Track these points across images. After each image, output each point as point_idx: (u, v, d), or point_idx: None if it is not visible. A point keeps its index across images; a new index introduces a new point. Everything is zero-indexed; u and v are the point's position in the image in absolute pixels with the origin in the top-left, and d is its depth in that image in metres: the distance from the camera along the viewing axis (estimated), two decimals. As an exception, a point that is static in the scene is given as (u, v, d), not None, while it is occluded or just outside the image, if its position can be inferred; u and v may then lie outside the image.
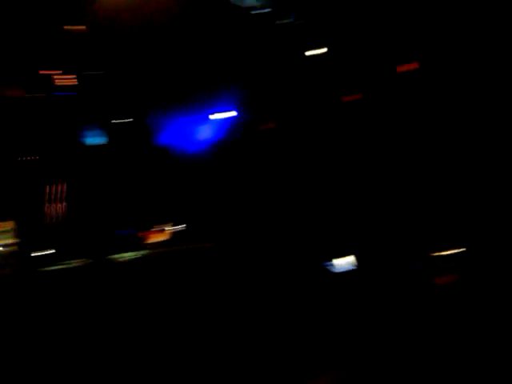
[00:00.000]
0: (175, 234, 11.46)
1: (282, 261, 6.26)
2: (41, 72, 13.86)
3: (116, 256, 9.79)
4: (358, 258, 6.80)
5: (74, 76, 14.06)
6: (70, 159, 16.21)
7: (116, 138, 15.90)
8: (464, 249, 5.76)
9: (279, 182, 10.36)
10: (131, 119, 15.73)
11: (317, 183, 9.58)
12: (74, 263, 10.52)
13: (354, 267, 6.77)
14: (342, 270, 6.57)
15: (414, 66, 9.48)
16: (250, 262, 6.20)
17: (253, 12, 11.63)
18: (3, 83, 15.22)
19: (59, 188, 15.36)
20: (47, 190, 15.01)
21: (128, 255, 9.39)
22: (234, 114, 12.86)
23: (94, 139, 17.00)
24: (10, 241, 11.66)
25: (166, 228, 11.72)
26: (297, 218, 8.52)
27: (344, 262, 6.86)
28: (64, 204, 15.58)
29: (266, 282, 5.72)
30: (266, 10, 11.51)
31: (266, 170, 10.82)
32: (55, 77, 14.47)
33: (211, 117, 13.05)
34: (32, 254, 12.72)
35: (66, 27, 12.91)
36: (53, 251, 13.45)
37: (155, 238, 11.32)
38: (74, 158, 16.36)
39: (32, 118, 15.26)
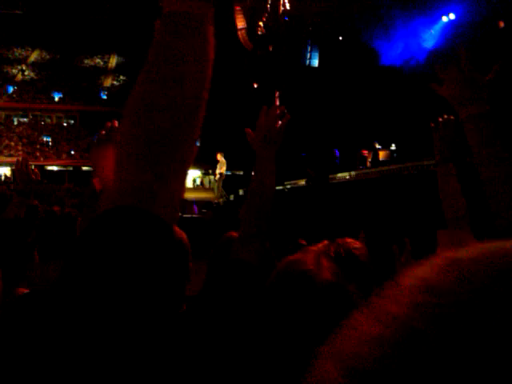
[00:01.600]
0: (392, 152, 11.10)
1: None
2: None
3: (338, 175, 9.97)
4: None
5: None
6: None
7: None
8: None
9: None
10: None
11: None
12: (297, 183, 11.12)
13: None
14: None
15: None
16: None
17: None
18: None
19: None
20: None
21: (347, 174, 9.46)
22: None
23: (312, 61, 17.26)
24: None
25: (380, 147, 11.42)
26: None
27: None
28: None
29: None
30: None
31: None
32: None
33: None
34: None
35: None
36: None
37: (373, 157, 11.12)
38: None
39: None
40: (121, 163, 0.67)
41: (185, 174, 0.73)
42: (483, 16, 10.47)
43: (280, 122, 1.62)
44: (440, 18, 12.19)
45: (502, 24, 10.35)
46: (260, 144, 1.56)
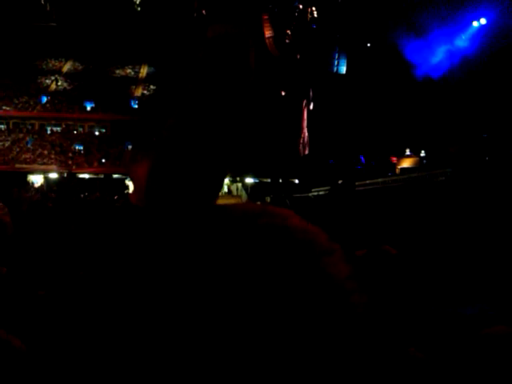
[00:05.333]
0: (421, 159, 10.93)
1: None
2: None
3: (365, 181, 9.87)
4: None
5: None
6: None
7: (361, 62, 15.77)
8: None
9: None
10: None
11: None
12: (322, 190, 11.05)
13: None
14: None
15: None
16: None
17: None
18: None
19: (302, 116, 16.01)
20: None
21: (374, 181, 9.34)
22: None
23: (340, 67, 17.20)
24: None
25: (410, 153, 11.27)
26: None
27: None
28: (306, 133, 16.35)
29: None
30: None
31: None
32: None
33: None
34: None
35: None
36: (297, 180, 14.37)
37: (403, 163, 10.98)
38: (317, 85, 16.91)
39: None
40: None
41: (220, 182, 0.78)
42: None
43: None
44: (471, 24, 11.99)
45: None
46: None
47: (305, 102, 16.91)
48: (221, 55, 0.85)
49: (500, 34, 10.88)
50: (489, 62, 10.71)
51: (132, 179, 1.62)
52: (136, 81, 38.28)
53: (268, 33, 17.58)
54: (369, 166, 11.69)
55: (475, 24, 11.74)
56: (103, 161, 30.35)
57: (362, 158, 12.30)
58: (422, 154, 11.47)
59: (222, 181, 0.83)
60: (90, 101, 34.16)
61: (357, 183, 9.10)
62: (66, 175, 22.89)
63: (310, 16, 17.52)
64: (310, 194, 10.77)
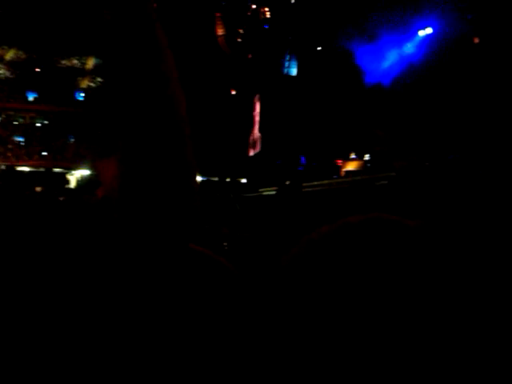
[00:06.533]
0: (366, 162, 11.19)
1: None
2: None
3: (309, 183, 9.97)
4: None
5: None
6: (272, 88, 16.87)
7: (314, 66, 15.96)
8: None
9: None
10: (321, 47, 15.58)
11: None
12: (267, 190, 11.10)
13: None
14: None
15: None
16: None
17: None
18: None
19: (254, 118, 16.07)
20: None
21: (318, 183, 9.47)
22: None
23: (290, 70, 17.36)
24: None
25: (355, 157, 11.51)
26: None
27: None
28: (258, 134, 16.43)
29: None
30: None
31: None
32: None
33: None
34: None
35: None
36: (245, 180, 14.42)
37: (347, 166, 11.19)
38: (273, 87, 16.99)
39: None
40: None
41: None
42: (459, 31, 10.65)
43: None
44: (417, 33, 12.37)
45: (476, 40, 10.54)
46: None
47: (255, 101, 16.94)
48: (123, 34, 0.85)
49: (444, 44, 11.29)
50: (433, 69, 11.08)
51: (99, 174, 1.62)
52: (82, 72, 37.15)
53: (220, 31, 17.49)
54: (310, 168, 11.86)
55: (421, 33, 12.13)
56: (44, 154, 29.31)
57: (303, 159, 12.47)
58: (367, 157, 11.73)
59: (189, 176, 0.83)
60: (33, 91, 32.87)
61: (304, 184, 9.19)
62: (5, 168, 21.96)
63: (262, 16, 17.56)
64: (261, 194, 10.79)
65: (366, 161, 11.31)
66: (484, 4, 10.04)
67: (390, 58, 12.84)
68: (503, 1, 9.68)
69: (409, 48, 12.63)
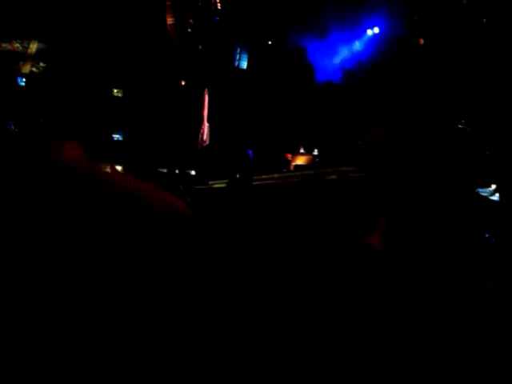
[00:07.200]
0: (314, 157, 11.40)
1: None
2: None
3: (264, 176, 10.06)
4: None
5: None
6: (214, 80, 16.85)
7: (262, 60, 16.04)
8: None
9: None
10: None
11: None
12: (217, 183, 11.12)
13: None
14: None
15: None
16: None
17: None
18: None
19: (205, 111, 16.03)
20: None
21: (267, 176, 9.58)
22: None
23: (241, 62, 17.36)
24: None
25: (303, 151, 11.70)
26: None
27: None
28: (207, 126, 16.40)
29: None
30: None
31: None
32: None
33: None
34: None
35: None
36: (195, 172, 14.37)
37: (297, 160, 11.35)
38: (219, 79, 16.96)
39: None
40: None
41: None
42: (405, 32, 11.02)
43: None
44: (365, 32, 12.69)
45: (421, 41, 10.93)
46: None
47: (205, 92, 16.83)
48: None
49: (390, 43, 11.64)
50: (380, 67, 11.43)
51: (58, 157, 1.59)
52: (24, 57, 35.66)
53: (170, 20, 17.22)
54: (260, 161, 11.97)
55: (369, 32, 12.46)
56: (-17, 140, 28.01)
57: (251, 153, 12.59)
58: (315, 152, 11.95)
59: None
60: (-30, 74, 31.24)
61: (254, 177, 9.28)
62: None
63: (213, 7, 17.44)
64: (211, 186, 10.79)
65: (315, 155, 11.53)
66: (429, 8, 10.43)
67: (341, 55, 13.11)
68: (447, 5, 10.10)
69: (357, 46, 12.93)
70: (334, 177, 7.08)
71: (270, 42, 15.98)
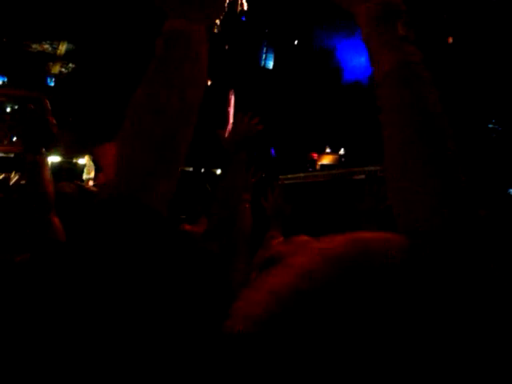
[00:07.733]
0: (340, 156, 11.34)
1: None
2: None
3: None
4: None
5: None
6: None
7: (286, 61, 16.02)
8: None
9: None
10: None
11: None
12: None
13: None
14: None
15: None
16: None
17: None
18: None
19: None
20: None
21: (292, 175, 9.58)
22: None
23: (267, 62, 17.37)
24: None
25: (329, 151, 11.65)
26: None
27: None
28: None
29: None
30: None
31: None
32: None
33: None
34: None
35: None
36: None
37: (323, 160, 11.31)
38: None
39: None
40: (122, 160, 0.73)
41: (177, 172, 0.80)
42: (434, 30, 10.87)
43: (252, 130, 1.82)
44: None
45: (450, 40, 10.77)
46: (234, 147, 1.70)
47: (231, 92, 16.92)
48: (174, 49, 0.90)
49: (419, 41, 11.50)
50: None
51: (98, 160, 1.62)
52: (54, 57, 36.33)
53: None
54: (285, 160, 11.95)
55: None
56: (14, 139, 28.65)
57: (273, 151, 12.56)
58: (342, 151, 11.88)
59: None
60: (2, 75, 32.01)
61: (280, 176, 9.28)
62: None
63: (239, 8, 17.51)
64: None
65: (341, 155, 11.48)
66: (459, 5, 10.28)
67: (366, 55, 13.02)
68: (477, 2, 9.93)
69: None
70: (362, 176, 7.04)
71: (296, 42, 15.97)
